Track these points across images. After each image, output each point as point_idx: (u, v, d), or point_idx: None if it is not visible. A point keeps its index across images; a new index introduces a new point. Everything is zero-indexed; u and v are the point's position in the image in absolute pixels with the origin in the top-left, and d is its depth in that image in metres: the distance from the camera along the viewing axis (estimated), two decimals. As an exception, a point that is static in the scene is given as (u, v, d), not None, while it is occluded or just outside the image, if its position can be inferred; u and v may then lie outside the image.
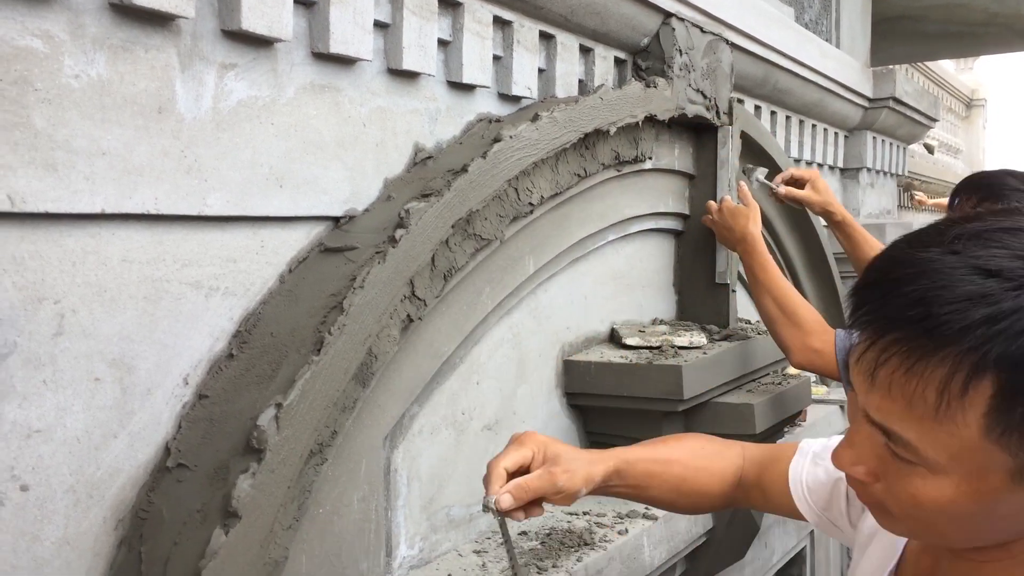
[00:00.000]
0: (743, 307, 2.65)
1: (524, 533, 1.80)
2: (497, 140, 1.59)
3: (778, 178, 2.50)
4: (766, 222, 2.88)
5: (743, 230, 2.18)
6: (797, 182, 2.49)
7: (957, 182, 2.33)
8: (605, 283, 2.19)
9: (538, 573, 1.62)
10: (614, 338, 2.18)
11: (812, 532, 3.20)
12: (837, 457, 0.84)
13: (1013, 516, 0.77)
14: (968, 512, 0.77)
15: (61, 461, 1.07)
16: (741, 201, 2.30)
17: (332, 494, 1.37)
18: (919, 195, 7.22)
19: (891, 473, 0.80)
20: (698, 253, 2.46)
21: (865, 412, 0.79)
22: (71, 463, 1.09)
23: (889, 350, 0.75)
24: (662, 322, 2.37)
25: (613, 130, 1.91)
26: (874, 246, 2.42)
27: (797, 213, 3.01)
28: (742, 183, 2.36)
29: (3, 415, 1.01)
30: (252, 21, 1.23)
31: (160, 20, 1.14)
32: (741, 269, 2.43)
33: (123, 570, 1.13)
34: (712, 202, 2.33)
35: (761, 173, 2.55)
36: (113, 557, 1.14)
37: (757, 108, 3.00)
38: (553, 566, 1.64)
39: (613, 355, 2.05)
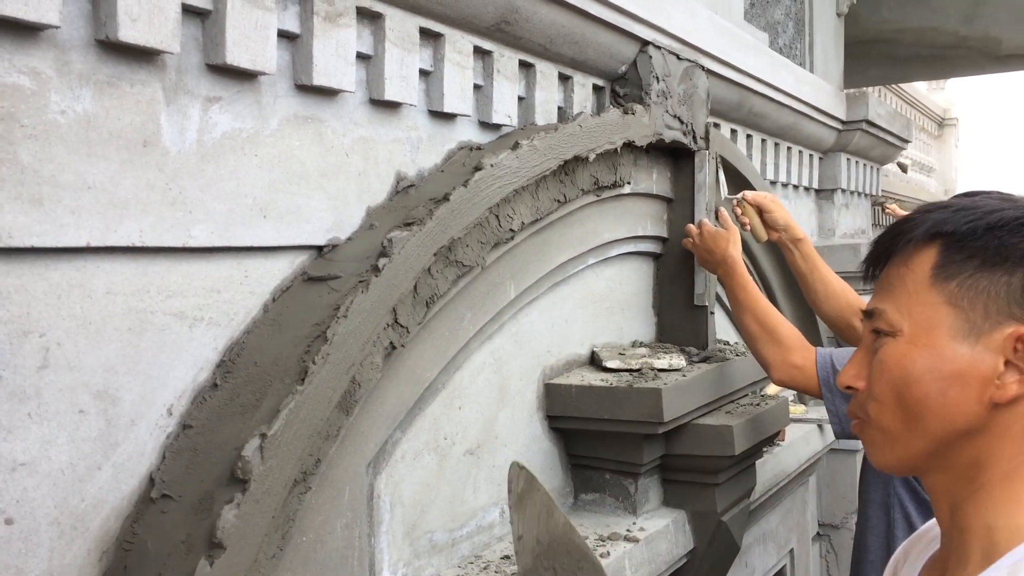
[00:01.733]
0: (722, 328, 2.68)
1: (507, 557, 1.81)
2: (478, 169, 1.62)
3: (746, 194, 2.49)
4: (744, 244, 2.92)
5: (723, 252, 2.21)
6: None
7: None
8: (585, 306, 2.21)
9: (521, 597, 1.63)
10: (595, 361, 2.20)
11: (792, 551, 3.23)
12: (840, 378, 1.00)
13: (958, 386, 0.88)
14: (923, 376, 0.89)
15: (46, 494, 1.08)
16: (721, 225, 2.34)
17: (316, 522, 1.38)
18: (891, 205, 7.33)
19: (872, 365, 0.95)
20: (677, 275, 2.49)
21: (866, 314, 0.98)
22: (55, 495, 1.09)
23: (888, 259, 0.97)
24: (642, 344, 2.40)
25: (592, 156, 1.94)
26: (826, 269, 2.41)
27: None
28: (722, 208, 2.39)
29: (-12, 449, 1.02)
30: (236, 55, 1.25)
31: (145, 55, 1.16)
32: (720, 290, 2.46)
33: (107, 602, 1.13)
34: (692, 225, 2.36)
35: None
36: (97, 589, 1.14)
37: (733, 132, 3.05)
38: (536, 590, 1.65)
39: (594, 378, 2.07)
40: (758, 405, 2.32)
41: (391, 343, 1.46)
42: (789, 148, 3.55)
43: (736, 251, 2.22)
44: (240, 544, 1.12)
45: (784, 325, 2.04)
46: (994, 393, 0.87)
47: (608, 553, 1.87)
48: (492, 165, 1.63)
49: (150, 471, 1.20)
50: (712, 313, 2.48)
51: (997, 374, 0.87)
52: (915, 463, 0.94)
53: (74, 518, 1.11)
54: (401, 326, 1.48)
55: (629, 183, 2.23)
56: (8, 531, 1.04)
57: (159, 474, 1.20)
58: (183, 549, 1.12)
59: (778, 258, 3.12)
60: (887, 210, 7.50)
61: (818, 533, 3.85)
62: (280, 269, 1.41)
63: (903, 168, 8.48)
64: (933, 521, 1.11)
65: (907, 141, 4.49)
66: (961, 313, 0.89)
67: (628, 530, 2.01)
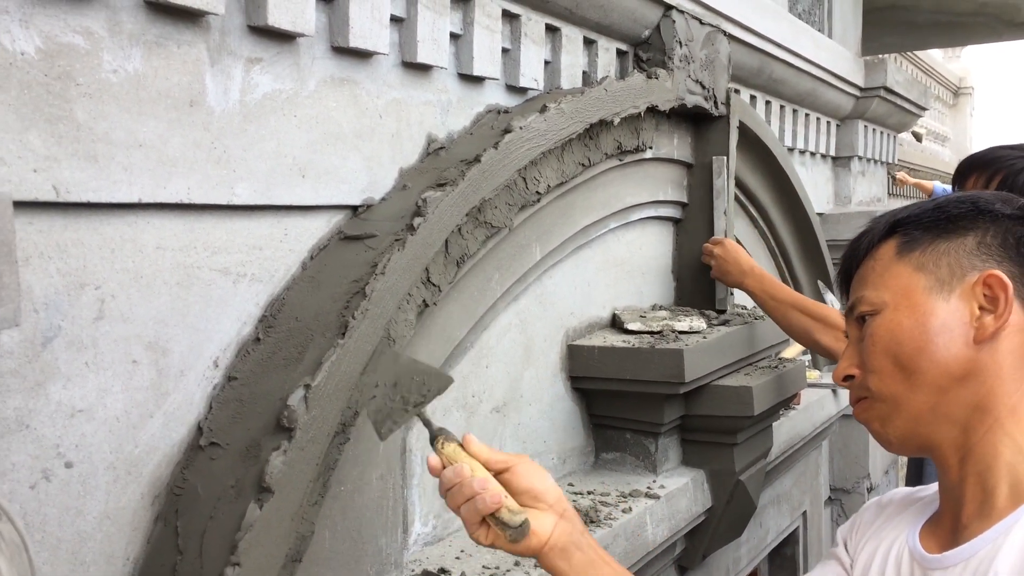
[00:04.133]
0: (740, 293, 2.71)
1: (532, 511, 1.86)
2: (508, 131, 1.64)
3: None
4: (760, 209, 2.95)
5: (749, 264, 2.30)
6: None
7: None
8: (607, 270, 2.24)
9: (547, 549, 1.68)
10: (616, 323, 2.24)
11: (804, 513, 3.28)
12: (835, 376, 1.09)
13: (944, 334, 0.98)
14: (912, 332, 1.00)
15: (103, 439, 1.12)
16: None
17: (353, 473, 1.43)
18: (900, 174, 7.37)
19: (862, 348, 1.05)
20: (696, 240, 2.52)
21: (848, 311, 1.09)
22: (111, 441, 1.14)
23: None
24: (662, 307, 2.43)
25: (617, 120, 1.97)
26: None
27: (791, 201, 3.07)
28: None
29: (49, 395, 1.06)
30: (277, 16, 1.28)
31: (191, 16, 1.19)
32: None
33: (160, 544, 1.18)
34: (708, 244, 2.43)
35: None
36: (150, 531, 1.19)
37: (752, 98, 3.06)
38: (562, 542, 1.70)
39: (616, 340, 2.11)
40: (776, 367, 2.36)
41: (424, 301, 1.50)
42: (807, 115, 3.55)
43: (754, 262, 2.32)
44: (288, 489, 1.17)
45: (827, 308, 2.11)
46: (976, 334, 0.98)
47: (630, 508, 1.92)
48: (521, 128, 1.66)
49: (198, 420, 1.25)
50: (731, 277, 2.51)
51: (975, 318, 0.98)
52: (921, 426, 1.00)
53: (128, 463, 1.16)
54: (433, 284, 1.52)
55: (651, 148, 2.25)
56: (68, 474, 1.09)
57: (207, 423, 1.25)
58: (233, 494, 1.17)
59: (796, 225, 3.14)
60: (898, 179, 7.51)
61: (830, 497, 3.90)
62: (318, 228, 1.44)
63: (918, 137, 8.44)
64: (904, 490, 1.18)
65: (924, 109, 4.48)
66: (930, 274, 1.01)
67: (649, 487, 2.06)
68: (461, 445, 1.06)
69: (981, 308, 0.98)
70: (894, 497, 1.17)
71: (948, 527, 1.02)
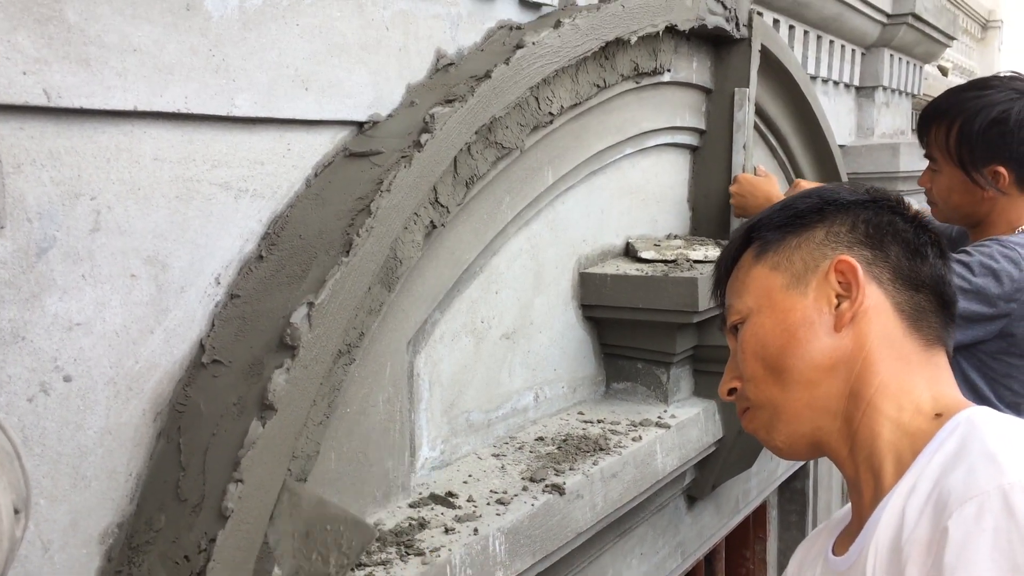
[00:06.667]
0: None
1: (541, 439, 1.84)
2: (520, 47, 1.58)
3: None
4: (780, 138, 2.87)
5: (767, 194, 2.25)
6: None
7: None
8: (621, 197, 2.19)
9: (556, 475, 1.66)
10: (629, 252, 2.20)
11: (816, 447, 3.27)
12: (720, 392, 1.09)
13: (805, 328, 0.99)
14: (774, 331, 1.01)
15: (101, 354, 1.10)
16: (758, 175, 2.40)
17: (359, 394, 1.41)
18: None
19: (738, 359, 1.05)
20: (713, 170, 2.46)
21: (722, 323, 1.12)
22: (111, 356, 1.11)
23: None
24: (677, 237, 2.39)
25: (634, 39, 1.89)
26: None
27: (813, 131, 2.99)
28: (759, 165, 2.41)
29: (45, 307, 1.04)
30: (277, -83, 1.21)
31: (186, -86, 1.13)
32: None
33: (163, 460, 1.16)
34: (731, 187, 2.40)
35: None
36: (153, 448, 1.17)
37: (776, 21, 2.96)
38: (570, 468, 1.69)
39: (629, 268, 2.07)
40: (792, 299, 2.32)
41: (431, 222, 1.46)
42: (832, 42, 3.44)
43: (779, 193, 2.24)
44: (290, 407, 1.15)
45: None
46: (835, 322, 0.99)
47: (640, 437, 1.90)
48: (534, 43, 1.60)
49: (200, 337, 1.23)
50: (748, 207, 2.46)
51: (832, 307, 0.99)
52: (803, 424, 1.00)
53: (129, 379, 1.14)
54: (441, 205, 1.48)
55: (669, 70, 2.18)
56: (67, 388, 1.07)
57: (209, 340, 1.22)
58: (235, 411, 1.15)
59: (815, 155, 3.06)
60: None
61: (841, 432, 3.89)
62: (322, 144, 1.40)
63: (943, 71, 8.21)
64: (837, 514, 1.16)
65: (952, 38, 4.33)
66: (785, 272, 1.03)
67: (659, 417, 2.04)
68: None
69: (838, 296, 0.99)
70: (820, 530, 1.15)
71: (856, 526, 1.00)
